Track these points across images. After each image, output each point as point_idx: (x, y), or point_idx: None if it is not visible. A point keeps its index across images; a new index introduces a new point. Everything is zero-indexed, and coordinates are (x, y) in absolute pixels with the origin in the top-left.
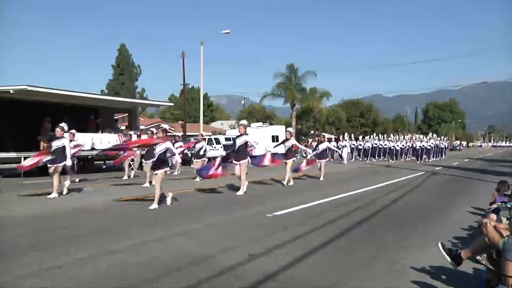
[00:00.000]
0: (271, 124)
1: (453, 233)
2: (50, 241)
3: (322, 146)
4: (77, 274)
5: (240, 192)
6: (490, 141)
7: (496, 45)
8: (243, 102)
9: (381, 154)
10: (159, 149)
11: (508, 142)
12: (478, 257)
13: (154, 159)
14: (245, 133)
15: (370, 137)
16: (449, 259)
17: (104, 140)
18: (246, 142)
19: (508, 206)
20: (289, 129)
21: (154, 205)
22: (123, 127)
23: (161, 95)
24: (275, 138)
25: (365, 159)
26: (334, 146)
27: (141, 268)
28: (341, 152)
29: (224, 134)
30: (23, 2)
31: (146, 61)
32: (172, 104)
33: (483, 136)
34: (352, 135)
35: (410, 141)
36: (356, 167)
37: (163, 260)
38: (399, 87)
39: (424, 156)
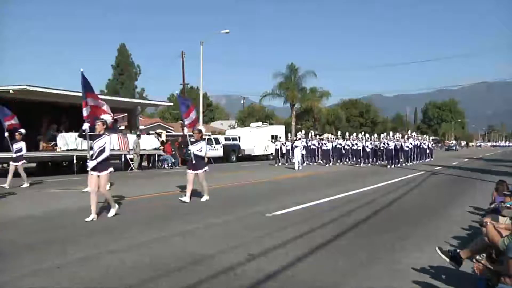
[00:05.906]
0: (270, 124)
1: (452, 233)
2: (50, 241)
3: (193, 149)
4: (77, 274)
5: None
6: (489, 141)
7: (496, 45)
8: (242, 102)
9: (348, 157)
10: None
11: (507, 142)
12: (478, 257)
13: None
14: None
15: (333, 137)
16: (449, 261)
17: None
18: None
19: (507, 205)
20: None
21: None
22: (123, 127)
23: (160, 95)
24: (274, 138)
25: (328, 162)
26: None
27: (141, 268)
28: (291, 154)
29: (224, 134)
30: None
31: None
32: (171, 104)
33: (482, 136)
34: (314, 133)
35: (385, 140)
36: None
37: (163, 260)
38: (398, 87)
39: (401, 160)
